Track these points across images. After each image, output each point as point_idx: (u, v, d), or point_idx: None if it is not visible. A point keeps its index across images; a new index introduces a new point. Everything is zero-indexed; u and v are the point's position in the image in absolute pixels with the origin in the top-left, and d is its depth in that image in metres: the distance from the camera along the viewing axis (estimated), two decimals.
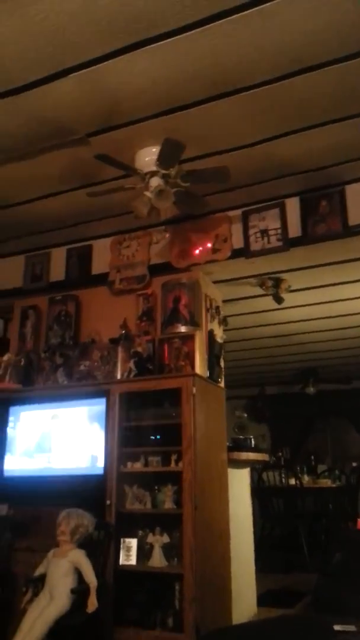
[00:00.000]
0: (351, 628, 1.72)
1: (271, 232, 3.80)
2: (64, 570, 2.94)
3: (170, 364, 3.85)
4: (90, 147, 3.15)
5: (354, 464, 8.07)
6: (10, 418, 3.99)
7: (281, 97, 2.83)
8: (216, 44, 2.46)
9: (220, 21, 2.33)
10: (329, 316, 5.84)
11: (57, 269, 4.54)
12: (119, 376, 3.88)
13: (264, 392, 9.34)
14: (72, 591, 2.86)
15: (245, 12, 2.29)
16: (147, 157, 3.18)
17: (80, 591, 2.87)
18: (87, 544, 3.12)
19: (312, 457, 8.29)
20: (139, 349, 3.88)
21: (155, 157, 3.09)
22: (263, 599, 4.42)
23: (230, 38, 2.43)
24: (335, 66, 2.61)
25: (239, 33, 2.40)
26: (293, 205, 3.79)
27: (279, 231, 3.78)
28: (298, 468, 7.27)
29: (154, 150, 3.13)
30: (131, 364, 3.82)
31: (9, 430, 3.96)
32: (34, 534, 3.59)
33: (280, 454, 7.90)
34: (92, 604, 2.83)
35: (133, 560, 3.40)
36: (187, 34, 2.40)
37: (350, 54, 2.55)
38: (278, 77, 2.69)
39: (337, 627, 1.74)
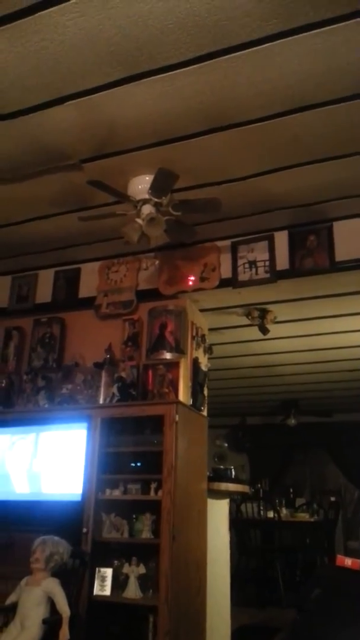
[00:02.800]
0: None
1: (259, 264, 3.85)
2: (37, 599, 2.86)
3: (154, 390, 3.83)
4: (84, 172, 3.19)
5: (332, 499, 8.05)
6: None
7: (274, 134, 2.91)
8: (213, 80, 2.53)
9: (218, 58, 2.40)
10: (312, 349, 5.88)
11: (44, 291, 4.53)
12: (101, 401, 3.85)
13: (245, 422, 9.32)
14: (44, 621, 2.79)
15: (244, 51, 2.36)
16: (140, 185, 3.23)
17: (52, 622, 2.80)
18: (62, 573, 3.05)
19: (291, 490, 8.23)
20: (123, 374, 3.87)
21: (148, 185, 3.13)
22: (236, 635, 4.34)
23: (228, 75, 2.50)
24: (328, 107, 2.69)
25: (236, 71, 2.48)
26: (281, 239, 3.86)
27: (267, 263, 3.83)
28: (277, 501, 7.22)
29: (147, 178, 3.18)
30: (114, 389, 3.80)
31: None
32: (6, 561, 3.49)
33: (259, 485, 7.84)
34: (64, 635, 2.76)
35: (107, 591, 3.33)
36: (185, 69, 2.46)
37: (342, 97, 2.63)
38: (272, 114, 2.76)
39: None
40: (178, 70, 2.47)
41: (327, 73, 2.49)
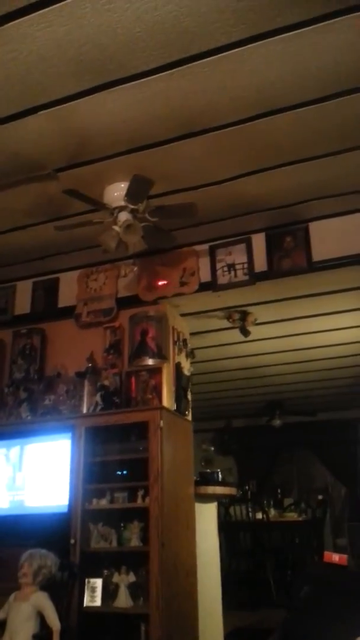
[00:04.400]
0: None
1: (238, 267, 3.87)
2: (26, 614, 2.82)
3: (138, 397, 3.83)
4: (59, 181, 3.19)
5: (320, 497, 8.09)
6: None
7: (247, 137, 2.93)
8: (184, 86, 2.55)
9: (188, 65, 2.42)
10: (294, 349, 5.92)
11: (22, 302, 4.50)
12: (85, 410, 3.82)
13: (231, 425, 9.33)
14: (34, 637, 2.75)
15: (214, 57, 2.38)
16: (116, 192, 3.22)
17: (42, 636, 2.76)
18: (50, 586, 3.01)
19: (279, 490, 8.26)
20: (106, 382, 3.85)
21: (123, 192, 3.13)
22: (230, 638, 4.33)
23: (198, 81, 2.52)
24: (299, 110, 2.73)
25: (206, 76, 2.49)
26: (259, 241, 3.89)
27: (246, 265, 3.86)
28: (265, 502, 7.24)
29: (122, 185, 3.18)
30: (97, 398, 3.78)
31: None
32: None
33: (246, 487, 7.85)
34: None
35: (98, 601, 3.30)
36: (156, 76, 2.48)
37: (313, 99, 2.67)
38: (244, 118, 2.79)
39: None
40: (149, 78, 2.49)
41: (297, 76, 2.52)
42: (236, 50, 2.35)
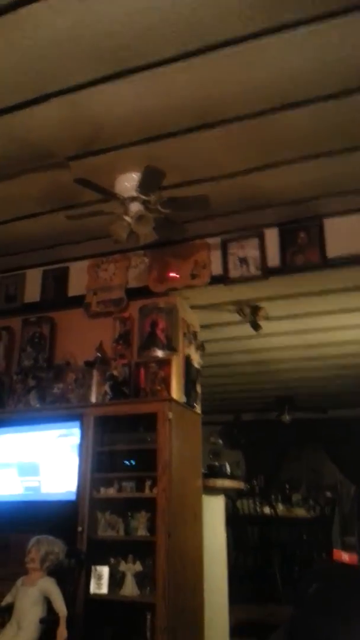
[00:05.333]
0: None
1: (250, 261, 3.86)
2: (33, 599, 2.85)
3: (147, 388, 3.83)
4: (71, 170, 3.18)
5: (328, 494, 8.06)
6: None
7: (263, 130, 2.91)
8: (200, 77, 2.53)
9: (204, 55, 2.40)
10: (305, 345, 5.88)
11: (32, 290, 4.51)
12: (93, 400, 3.84)
13: (240, 418, 9.32)
14: (41, 621, 2.78)
15: (233, 47, 2.35)
16: (128, 182, 3.21)
17: (49, 621, 2.79)
18: (57, 572, 3.04)
19: (287, 486, 8.24)
20: (115, 373, 3.86)
21: (135, 183, 3.13)
22: (235, 631, 4.33)
23: (214, 72, 2.50)
24: (318, 104, 2.69)
25: (223, 68, 2.47)
26: (272, 236, 3.86)
27: (258, 260, 3.84)
28: (272, 496, 7.23)
29: (134, 176, 3.17)
30: (106, 388, 3.80)
31: None
32: (2, 562, 3.48)
33: (254, 481, 7.84)
34: (62, 634, 2.74)
35: (104, 589, 3.32)
36: (173, 65, 2.45)
37: (331, 94, 2.63)
38: (260, 111, 2.76)
39: None
40: (164, 67, 2.47)
41: (316, 70, 2.49)
42: (254, 41, 2.32)
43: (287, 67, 2.48)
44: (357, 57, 2.42)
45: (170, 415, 3.47)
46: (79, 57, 2.42)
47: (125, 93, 2.64)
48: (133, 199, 3.19)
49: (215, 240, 4.01)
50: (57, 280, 4.43)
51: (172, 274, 4.02)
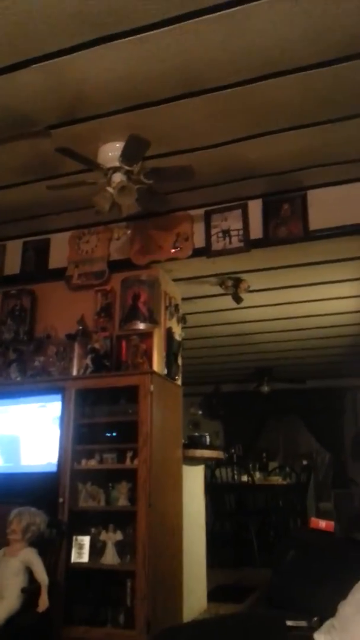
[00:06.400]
0: (302, 624, 1.77)
1: (233, 233, 3.83)
2: (15, 569, 2.88)
3: (128, 361, 3.83)
4: (52, 139, 3.09)
5: (305, 462, 8.27)
6: None
7: (249, 100, 2.85)
8: (186, 43, 2.45)
9: (191, 21, 2.32)
10: (286, 317, 5.93)
11: (12, 263, 4.43)
12: (74, 372, 3.83)
13: (219, 389, 9.43)
14: (23, 590, 2.81)
15: (218, 14, 2.28)
16: (111, 152, 3.15)
17: (31, 590, 2.83)
18: (39, 543, 3.06)
19: (264, 455, 8.42)
20: (96, 345, 3.85)
21: (118, 152, 3.06)
22: (213, 594, 4.47)
23: (201, 38, 2.43)
24: (304, 73, 2.64)
25: (209, 34, 2.40)
26: (255, 207, 3.84)
27: (241, 232, 3.81)
28: (250, 465, 7.38)
29: (117, 145, 3.10)
30: (88, 360, 3.79)
31: None
32: None
33: (233, 450, 7.99)
34: (44, 603, 2.79)
35: (85, 558, 3.38)
36: (156, 31, 2.38)
37: (319, 62, 2.58)
38: (247, 79, 2.70)
39: (289, 623, 1.78)
40: (149, 33, 2.39)
41: (303, 38, 2.43)
42: (240, 7, 2.25)
43: (274, 35, 2.42)
44: (344, 26, 2.37)
45: (152, 387, 3.48)
46: (62, 21, 2.32)
47: (109, 59, 2.55)
48: (116, 169, 3.12)
49: (198, 212, 3.97)
50: (37, 252, 4.35)
51: (154, 246, 3.96)
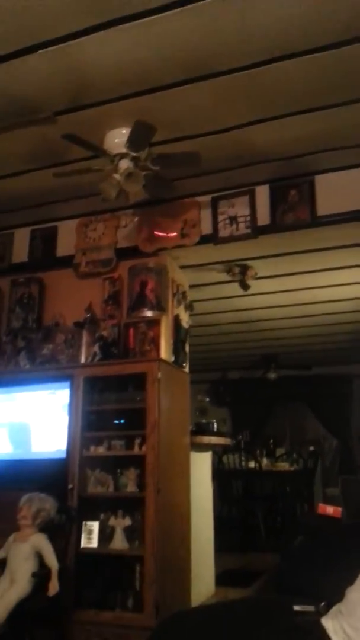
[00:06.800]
0: (310, 608, 1.78)
1: (240, 219, 3.81)
2: (25, 554, 2.92)
3: (136, 348, 3.84)
4: (58, 126, 3.07)
5: (311, 448, 8.29)
6: None
7: (256, 84, 2.81)
8: (193, 26, 2.42)
9: (197, 3, 2.28)
10: (294, 304, 5.92)
11: (20, 251, 4.43)
12: (83, 360, 3.85)
13: (226, 376, 9.45)
14: (33, 575, 2.86)
15: None
16: (117, 138, 3.12)
17: (41, 575, 2.87)
18: (49, 528, 3.11)
19: (271, 441, 8.45)
20: (104, 333, 3.86)
21: (125, 139, 3.04)
22: (220, 579, 4.52)
23: (208, 21, 2.39)
24: (313, 55, 2.60)
25: (217, 17, 2.37)
26: (263, 193, 3.80)
27: (248, 218, 3.79)
28: (257, 451, 7.41)
29: (124, 132, 3.08)
30: (96, 348, 3.80)
31: None
32: None
33: (240, 437, 8.03)
34: (54, 587, 2.83)
35: (94, 543, 3.41)
36: (163, 14, 2.34)
37: (329, 44, 2.54)
38: (254, 63, 2.66)
39: (296, 608, 1.79)
40: (155, 16, 2.36)
41: (311, 20, 2.39)
42: None
43: (282, 17, 2.38)
44: (352, 9, 2.32)
45: (159, 375, 3.49)
46: (68, 5, 2.30)
47: (116, 43, 2.52)
48: (122, 155, 3.10)
49: (205, 199, 3.94)
50: (45, 240, 4.34)
51: (161, 233, 3.95)
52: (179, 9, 2.32)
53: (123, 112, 3.00)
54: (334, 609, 1.57)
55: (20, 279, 4.37)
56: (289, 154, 3.50)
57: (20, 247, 4.44)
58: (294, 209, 3.71)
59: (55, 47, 2.52)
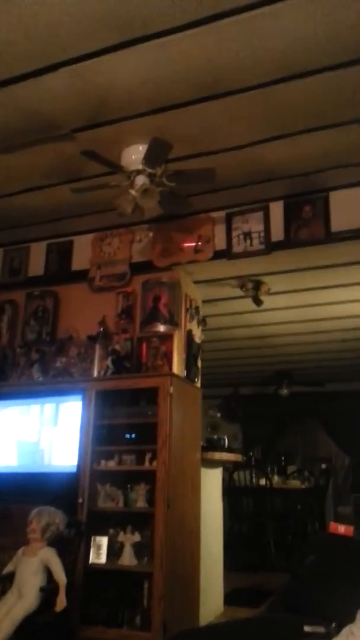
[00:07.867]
0: (320, 629, 1.75)
1: (254, 235, 3.82)
2: (34, 568, 2.90)
3: (148, 362, 3.84)
4: (76, 142, 3.13)
5: (323, 466, 8.20)
6: None
7: (271, 101, 2.85)
8: (209, 45, 2.46)
9: (214, 23, 2.33)
10: (306, 320, 5.90)
11: (36, 264, 4.48)
12: (95, 374, 3.86)
13: (238, 392, 9.40)
14: (41, 589, 2.84)
15: (241, 16, 2.29)
16: (134, 155, 3.17)
17: (49, 589, 2.85)
18: (58, 542, 3.09)
19: (283, 458, 8.37)
20: (117, 347, 3.87)
21: (141, 155, 3.08)
22: (229, 598, 4.46)
23: (224, 40, 2.43)
24: (327, 73, 2.63)
25: (232, 36, 2.40)
26: (277, 209, 3.82)
27: (262, 234, 3.80)
28: (268, 468, 7.34)
29: (140, 148, 3.12)
30: (108, 362, 3.81)
31: None
32: (3, 532, 3.54)
33: (251, 453, 7.96)
34: (61, 602, 2.80)
35: (103, 559, 3.39)
36: (180, 34, 2.39)
37: (342, 62, 2.57)
38: (269, 81, 2.70)
39: (307, 629, 1.76)
40: (172, 36, 2.41)
41: (326, 38, 2.42)
42: (263, 9, 2.25)
43: (296, 36, 2.41)
44: None
45: (171, 389, 3.49)
46: (86, 26, 2.35)
47: (133, 63, 2.57)
48: (139, 172, 3.14)
49: (219, 214, 3.96)
50: (61, 254, 4.39)
51: (175, 248, 3.97)
52: (193, 30, 2.36)
53: (140, 129, 3.04)
54: (345, 630, 1.55)
55: (35, 292, 4.41)
56: (303, 171, 3.52)
57: (36, 261, 4.49)
58: (308, 224, 3.72)
59: (74, 65, 2.58)
